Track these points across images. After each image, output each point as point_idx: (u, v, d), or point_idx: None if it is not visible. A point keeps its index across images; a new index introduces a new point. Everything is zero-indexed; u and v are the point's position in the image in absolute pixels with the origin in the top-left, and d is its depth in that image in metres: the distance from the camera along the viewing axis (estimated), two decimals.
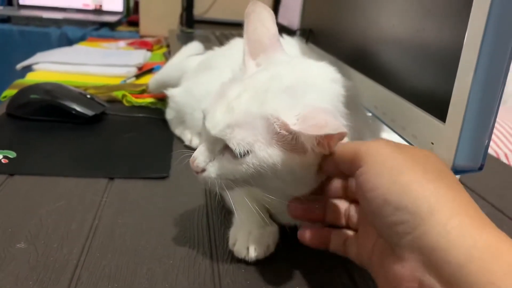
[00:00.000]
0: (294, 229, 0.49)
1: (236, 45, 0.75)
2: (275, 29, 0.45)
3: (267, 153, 0.38)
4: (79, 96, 0.82)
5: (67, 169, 0.62)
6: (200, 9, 1.83)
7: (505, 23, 0.33)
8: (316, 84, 0.41)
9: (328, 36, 0.75)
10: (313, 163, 0.39)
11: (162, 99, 0.89)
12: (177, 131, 0.77)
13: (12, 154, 0.65)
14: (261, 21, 0.45)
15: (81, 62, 1.17)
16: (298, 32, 0.92)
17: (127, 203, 0.55)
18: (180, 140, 0.75)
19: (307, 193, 0.42)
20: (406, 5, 0.47)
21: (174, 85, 0.80)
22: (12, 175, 0.60)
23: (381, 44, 0.53)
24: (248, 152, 0.38)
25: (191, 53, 0.93)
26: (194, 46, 0.96)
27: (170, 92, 0.77)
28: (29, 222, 0.49)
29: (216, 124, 0.39)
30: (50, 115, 0.79)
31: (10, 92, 0.90)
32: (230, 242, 0.46)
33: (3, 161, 0.63)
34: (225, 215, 0.53)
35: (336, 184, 0.42)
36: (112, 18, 2.12)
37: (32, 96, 0.80)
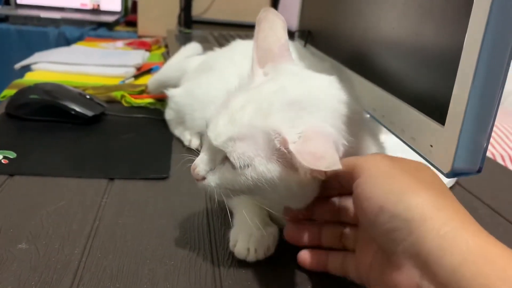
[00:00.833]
0: None
1: (237, 47, 0.75)
2: (285, 38, 0.45)
3: (266, 168, 0.38)
4: (79, 96, 0.82)
5: (67, 169, 0.63)
6: (198, 10, 1.83)
7: (505, 26, 0.33)
8: (323, 102, 0.40)
9: (327, 38, 0.76)
10: (310, 182, 0.39)
11: (161, 100, 0.89)
12: (177, 131, 0.77)
13: (12, 155, 0.65)
14: (272, 29, 0.44)
15: (80, 62, 1.17)
16: (296, 34, 0.92)
17: (128, 203, 0.55)
18: (180, 141, 0.75)
19: (303, 207, 0.43)
20: (405, 8, 0.47)
21: (174, 85, 0.80)
22: (12, 175, 0.60)
23: (380, 46, 0.53)
24: (247, 165, 0.38)
25: (190, 54, 0.93)
26: (193, 46, 0.96)
27: (171, 93, 0.77)
28: (30, 222, 0.49)
29: (218, 136, 0.39)
30: (50, 116, 0.79)
31: (9, 92, 0.90)
32: (231, 243, 0.46)
33: (3, 161, 0.63)
34: (226, 216, 0.53)
35: (328, 207, 0.43)
36: (110, 18, 2.12)
37: (32, 96, 0.80)
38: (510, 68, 0.35)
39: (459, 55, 0.36)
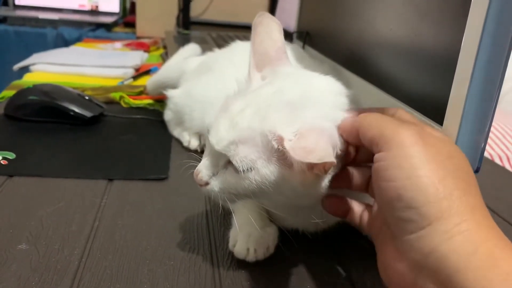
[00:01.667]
0: (295, 232, 0.50)
1: (236, 48, 0.75)
2: (282, 41, 0.45)
3: (269, 170, 0.38)
4: (78, 97, 0.82)
5: (67, 170, 0.63)
6: (196, 11, 1.83)
7: (502, 28, 0.33)
8: (319, 97, 0.40)
9: (325, 38, 0.76)
10: (314, 181, 0.39)
11: (160, 101, 0.89)
12: (175, 132, 0.77)
13: (11, 156, 0.65)
14: (268, 33, 0.44)
15: (78, 63, 1.17)
16: (295, 35, 0.93)
17: (127, 204, 0.55)
18: (179, 142, 0.76)
19: (311, 204, 0.43)
20: (403, 9, 0.48)
21: (173, 86, 0.81)
22: (11, 176, 0.60)
23: (379, 47, 0.53)
24: (250, 169, 0.38)
25: (188, 55, 0.93)
26: (192, 48, 0.97)
27: (170, 93, 0.77)
28: (30, 223, 0.49)
29: (220, 140, 0.39)
30: (49, 117, 0.79)
31: (7, 93, 0.90)
32: (230, 243, 0.47)
33: (3, 162, 0.63)
34: (225, 216, 0.53)
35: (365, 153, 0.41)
36: (108, 19, 2.12)
37: (31, 97, 0.80)
38: (507, 69, 0.35)
39: (457, 56, 0.36)
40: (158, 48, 1.56)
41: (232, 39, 1.48)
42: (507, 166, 1.01)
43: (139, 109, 0.90)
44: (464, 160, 0.34)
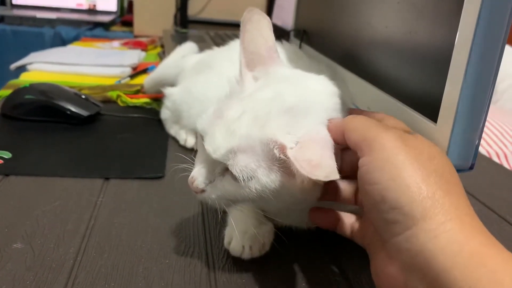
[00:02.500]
0: (289, 229, 0.50)
1: (236, 46, 0.75)
2: (273, 39, 0.44)
3: (270, 179, 0.37)
4: (74, 96, 0.82)
5: (63, 169, 0.63)
6: (194, 9, 1.83)
7: (495, 24, 0.33)
8: (318, 103, 0.40)
9: (322, 37, 0.76)
10: (312, 188, 0.39)
11: (157, 99, 0.89)
12: (172, 131, 0.77)
13: (7, 155, 0.65)
14: (259, 30, 0.43)
15: (76, 62, 1.17)
16: (292, 33, 0.93)
17: (123, 203, 0.55)
18: (175, 140, 0.76)
19: (307, 208, 0.43)
20: (398, 7, 0.48)
21: (170, 84, 0.81)
22: (7, 175, 0.60)
23: (374, 45, 0.53)
24: (251, 177, 0.37)
25: (185, 53, 0.93)
26: (189, 46, 0.97)
27: (168, 91, 0.77)
28: (25, 222, 0.49)
29: (217, 148, 0.38)
30: (45, 116, 0.79)
31: (4, 92, 0.90)
32: (226, 241, 0.47)
33: None
34: (221, 214, 0.53)
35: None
36: (106, 18, 2.12)
37: (27, 96, 0.80)
38: (503, 66, 0.35)
39: (451, 54, 0.36)
40: (155, 47, 1.55)
41: (230, 37, 1.48)
42: (505, 164, 1.01)
43: (136, 108, 0.90)
44: (446, 161, 0.34)
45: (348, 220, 0.42)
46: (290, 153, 0.36)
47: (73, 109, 0.79)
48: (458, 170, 0.38)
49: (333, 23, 0.70)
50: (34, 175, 0.60)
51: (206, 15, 1.85)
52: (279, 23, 1.22)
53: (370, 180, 0.33)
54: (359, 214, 0.42)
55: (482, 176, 0.74)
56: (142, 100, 0.92)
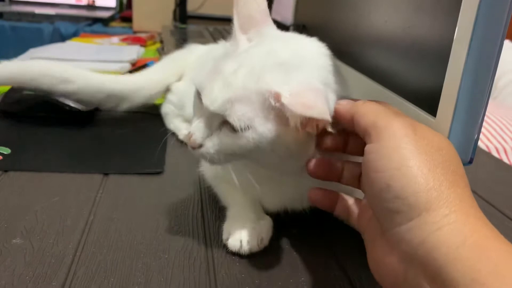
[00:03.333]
0: (287, 221, 0.50)
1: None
2: (265, 4, 0.45)
3: (266, 127, 0.39)
4: None
5: (62, 165, 0.63)
6: (193, 5, 1.82)
7: (494, 19, 0.33)
8: (310, 60, 0.42)
9: (321, 31, 0.76)
10: (307, 140, 0.40)
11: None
12: (172, 125, 0.77)
13: (6, 151, 0.65)
14: None
15: (75, 58, 1.17)
16: (291, 28, 0.92)
17: (122, 198, 0.55)
18: (175, 136, 0.75)
19: (300, 167, 0.43)
20: (398, 1, 0.47)
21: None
22: (6, 171, 0.60)
23: (373, 39, 0.53)
24: (248, 127, 0.38)
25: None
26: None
27: (174, 85, 0.79)
28: (24, 217, 0.49)
29: (215, 100, 0.39)
30: (44, 111, 0.78)
31: (3, 88, 0.89)
32: (224, 236, 0.47)
33: None
34: (220, 209, 0.53)
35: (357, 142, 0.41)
36: (105, 14, 2.12)
37: (26, 92, 0.79)
38: (503, 62, 0.35)
39: (450, 48, 0.36)
40: (154, 43, 1.55)
41: (229, 32, 1.47)
42: (504, 159, 1.01)
43: None
44: (453, 152, 0.34)
45: (346, 202, 0.42)
46: (285, 100, 0.37)
47: (72, 104, 0.78)
48: None
49: (332, 17, 0.70)
50: (33, 170, 0.60)
51: (205, 10, 1.84)
52: (278, 18, 1.21)
53: (376, 168, 0.33)
54: (356, 196, 0.42)
55: (482, 171, 0.74)
56: None
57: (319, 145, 0.41)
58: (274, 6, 1.32)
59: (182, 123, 0.75)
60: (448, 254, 0.28)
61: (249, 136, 0.39)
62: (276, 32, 0.46)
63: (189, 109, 0.73)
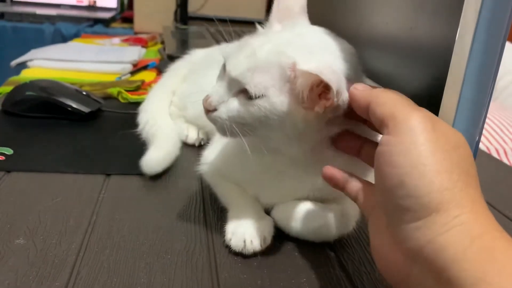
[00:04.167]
0: None
1: None
2: (305, 0, 0.48)
3: (279, 99, 0.40)
4: (75, 93, 0.82)
5: (64, 165, 0.63)
6: (194, 6, 1.83)
7: (496, 20, 0.33)
8: (334, 48, 0.43)
9: None
10: (314, 124, 0.41)
11: None
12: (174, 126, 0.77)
13: (9, 151, 0.65)
14: None
15: (76, 59, 1.17)
16: None
17: (124, 199, 0.55)
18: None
19: (304, 150, 0.44)
20: (399, 2, 0.48)
21: None
22: (9, 172, 0.60)
23: (374, 41, 0.53)
24: (262, 95, 0.40)
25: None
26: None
27: (180, 88, 0.79)
28: (27, 218, 0.50)
29: (238, 67, 0.42)
30: (46, 112, 0.79)
31: (5, 89, 0.90)
32: (227, 236, 0.47)
33: (0, 158, 0.63)
34: (221, 210, 0.53)
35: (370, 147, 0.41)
36: (106, 15, 2.12)
37: (28, 93, 0.80)
38: (503, 63, 0.36)
39: (452, 50, 0.36)
40: (156, 44, 1.55)
41: (229, 34, 1.47)
42: (504, 160, 1.01)
43: (137, 104, 0.89)
44: (469, 152, 0.34)
45: (356, 184, 0.40)
46: (299, 67, 0.39)
47: (74, 105, 0.79)
48: None
49: (333, 19, 0.70)
50: (36, 171, 0.61)
51: (206, 11, 1.84)
52: None
53: (391, 163, 0.32)
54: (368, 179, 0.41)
55: (482, 172, 0.73)
56: (143, 96, 0.92)
57: (335, 143, 0.43)
58: (273, 7, 1.32)
59: (184, 124, 0.75)
60: (456, 254, 0.28)
61: (262, 105, 0.41)
62: (309, 24, 0.48)
63: (190, 110, 0.73)
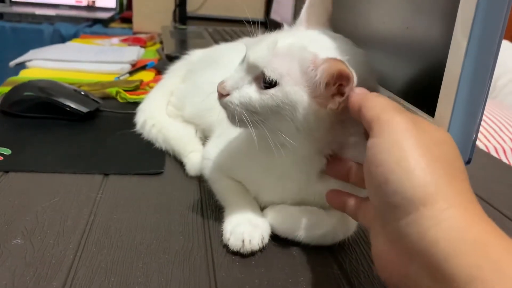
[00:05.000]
0: None
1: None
2: (331, 10, 0.49)
3: (293, 89, 0.41)
4: (74, 93, 0.82)
5: (62, 165, 0.63)
6: (193, 6, 1.83)
7: (492, 19, 0.33)
8: (358, 55, 0.44)
9: None
10: (326, 118, 0.41)
11: None
12: None
13: (7, 151, 0.65)
14: (323, 4, 0.48)
15: (75, 59, 1.17)
16: None
17: (122, 199, 0.55)
18: None
19: (312, 144, 0.44)
20: (396, 2, 0.48)
21: None
22: (7, 172, 0.60)
23: (372, 40, 0.53)
24: (277, 83, 0.41)
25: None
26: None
27: (178, 88, 0.80)
28: (25, 218, 0.50)
29: (257, 52, 0.43)
30: (45, 112, 0.79)
31: (3, 89, 0.90)
32: (225, 235, 0.47)
33: None
34: (219, 209, 0.53)
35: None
36: (105, 15, 2.12)
37: (26, 93, 0.80)
38: (502, 62, 0.36)
39: (448, 48, 0.36)
40: (154, 44, 1.55)
41: (228, 33, 1.48)
42: (503, 158, 1.01)
43: (135, 104, 0.90)
44: (454, 147, 0.34)
45: (353, 201, 0.42)
46: (320, 57, 0.40)
47: (72, 105, 0.79)
48: None
49: (331, 18, 0.70)
50: (34, 171, 0.61)
51: (205, 11, 1.84)
52: (278, 18, 1.22)
53: (376, 162, 0.34)
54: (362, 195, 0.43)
55: (481, 171, 0.74)
56: (141, 96, 0.92)
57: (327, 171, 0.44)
58: (273, 7, 1.32)
59: (181, 123, 0.75)
60: (447, 249, 0.28)
61: (275, 94, 0.41)
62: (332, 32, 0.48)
63: (188, 109, 0.73)
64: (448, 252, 0.28)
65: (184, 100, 0.75)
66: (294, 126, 0.42)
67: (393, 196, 0.32)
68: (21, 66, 1.13)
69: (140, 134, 0.74)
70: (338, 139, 0.44)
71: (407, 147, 0.32)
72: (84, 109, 0.79)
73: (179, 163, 0.65)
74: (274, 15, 1.29)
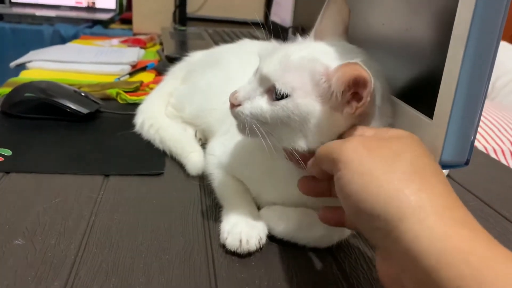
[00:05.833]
0: None
1: (244, 45, 0.79)
2: (348, 22, 0.48)
3: (303, 101, 0.41)
4: (74, 94, 0.82)
5: (63, 166, 0.63)
6: (193, 7, 1.83)
7: (490, 20, 0.34)
8: (372, 66, 0.43)
9: None
10: (342, 121, 0.41)
11: None
12: None
13: (7, 152, 0.65)
14: (339, 13, 0.48)
15: (75, 60, 1.17)
16: (290, 30, 0.93)
17: (123, 199, 0.56)
18: None
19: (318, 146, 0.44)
20: (395, 4, 0.48)
21: None
22: (8, 173, 0.60)
23: (371, 42, 0.54)
24: (288, 95, 0.41)
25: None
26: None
27: (177, 89, 0.80)
28: (26, 219, 0.50)
29: (270, 65, 0.43)
30: (45, 113, 0.79)
31: (4, 90, 0.90)
32: (223, 235, 0.47)
33: None
34: (219, 210, 0.53)
35: None
36: (105, 16, 2.12)
37: (27, 94, 0.80)
38: (500, 63, 0.36)
39: (446, 50, 0.37)
40: (154, 45, 1.55)
41: (228, 34, 1.48)
42: (502, 159, 1.01)
43: (135, 105, 0.90)
44: (418, 152, 0.35)
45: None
46: (332, 68, 0.40)
47: (72, 106, 0.79)
48: (454, 166, 0.38)
49: (347, 29, 0.71)
50: (35, 172, 0.61)
51: (205, 12, 1.84)
52: (277, 20, 1.22)
53: (344, 194, 0.34)
54: None
55: (479, 172, 0.74)
56: (141, 97, 0.92)
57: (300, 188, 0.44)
58: (273, 8, 1.33)
59: (180, 124, 0.76)
60: (431, 262, 0.28)
61: (286, 105, 0.41)
62: (345, 43, 0.48)
63: (188, 110, 0.73)
64: (433, 265, 0.28)
65: (183, 101, 0.75)
66: (302, 135, 0.42)
67: (370, 222, 0.32)
68: (22, 67, 1.13)
69: (140, 135, 0.75)
70: None
71: (365, 171, 0.33)
72: (84, 110, 0.80)
73: (180, 164, 0.66)
74: (274, 17, 1.29)
